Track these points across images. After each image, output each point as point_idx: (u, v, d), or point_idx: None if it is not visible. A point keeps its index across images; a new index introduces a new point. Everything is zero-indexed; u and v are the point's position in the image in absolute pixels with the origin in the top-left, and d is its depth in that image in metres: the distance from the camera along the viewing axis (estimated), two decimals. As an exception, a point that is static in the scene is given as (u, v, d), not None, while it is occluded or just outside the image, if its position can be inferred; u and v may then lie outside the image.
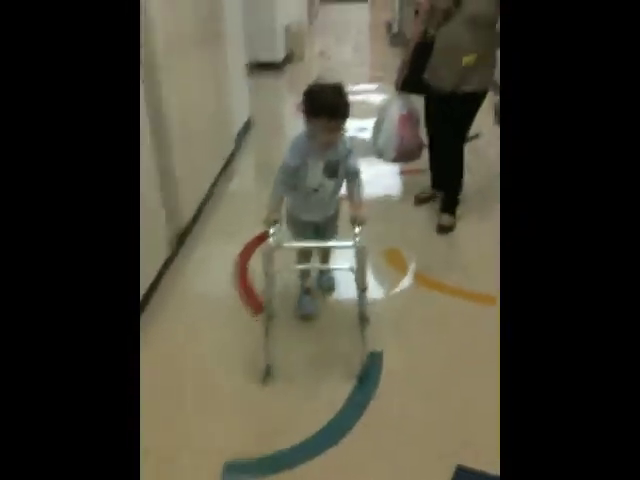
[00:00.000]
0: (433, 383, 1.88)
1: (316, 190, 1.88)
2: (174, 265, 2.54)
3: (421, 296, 2.35)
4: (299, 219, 2.00)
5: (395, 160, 2.93)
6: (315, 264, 2.25)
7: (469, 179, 3.02)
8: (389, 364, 1.94)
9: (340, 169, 1.86)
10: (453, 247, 2.74)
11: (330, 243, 2.07)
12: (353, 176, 1.89)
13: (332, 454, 1.61)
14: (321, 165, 1.82)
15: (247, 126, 4.20)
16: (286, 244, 1.80)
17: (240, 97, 3.95)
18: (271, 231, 1.72)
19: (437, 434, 1.68)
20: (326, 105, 1.69)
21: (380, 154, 2.93)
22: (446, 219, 2.83)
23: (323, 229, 2.04)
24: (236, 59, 3.79)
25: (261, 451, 1.61)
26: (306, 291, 2.21)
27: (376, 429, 1.69)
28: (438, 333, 2.12)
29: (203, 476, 1.55)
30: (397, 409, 1.77)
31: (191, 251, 2.68)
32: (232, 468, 1.56)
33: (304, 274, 2.20)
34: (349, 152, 1.86)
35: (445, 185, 2.92)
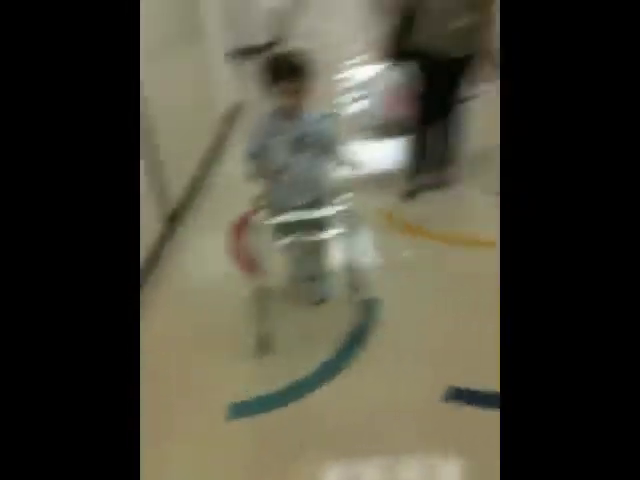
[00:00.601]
0: (429, 323, 1.96)
1: (285, 171, 1.79)
2: (169, 244, 2.61)
3: (414, 245, 2.43)
4: (282, 210, 1.83)
5: (381, 136, 2.90)
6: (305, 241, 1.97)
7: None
8: (385, 311, 2.02)
9: (308, 144, 1.76)
10: (447, 200, 2.77)
11: (317, 212, 1.83)
12: (330, 145, 1.80)
13: (333, 385, 1.73)
14: (287, 141, 1.75)
15: (234, 111, 4.23)
16: (274, 219, 1.78)
17: (225, 82, 3.99)
18: (260, 204, 1.73)
19: (430, 364, 1.78)
20: (284, 65, 1.68)
21: (366, 129, 2.92)
22: (442, 174, 2.87)
23: (306, 222, 1.85)
24: (217, 50, 3.84)
25: (262, 392, 1.73)
26: (310, 278, 2.12)
27: (373, 363, 1.81)
28: (434, 278, 2.21)
29: (209, 416, 1.66)
30: (392, 345, 1.87)
31: (185, 229, 2.75)
32: (236, 407, 1.68)
33: (294, 266, 2.10)
34: (319, 123, 1.78)
35: (445, 143, 2.80)
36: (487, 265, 2.17)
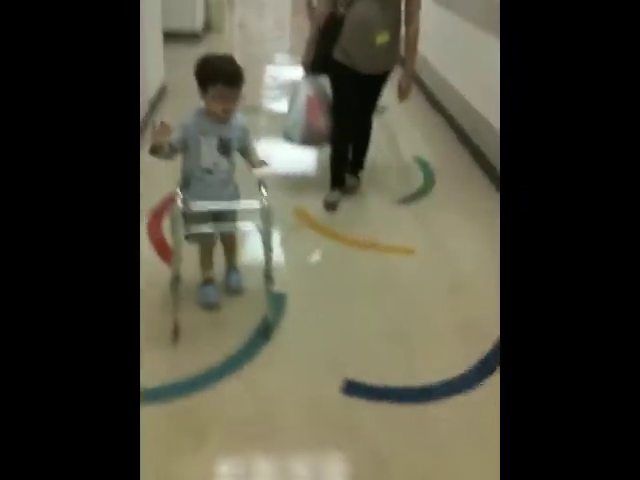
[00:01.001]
0: (332, 319, 2.10)
1: (210, 170, 1.85)
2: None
3: (321, 246, 2.56)
4: (195, 210, 1.82)
5: (301, 144, 2.93)
6: (223, 222, 2.01)
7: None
8: (292, 307, 2.12)
9: (233, 147, 1.87)
10: (361, 207, 2.95)
11: (237, 205, 1.94)
12: (250, 151, 1.94)
13: (237, 377, 1.79)
14: (214, 142, 1.82)
15: (161, 93, 4.18)
16: (194, 205, 1.78)
17: (154, 62, 3.92)
18: (178, 192, 1.74)
19: (331, 359, 1.89)
20: (222, 71, 1.73)
21: (287, 136, 2.95)
22: (353, 181, 3.02)
23: (224, 218, 1.95)
24: (151, 25, 3.76)
25: (172, 379, 1.75)
26: (207, 281, 2.11)
27: (277, 355, 1.90)
28: (337, 277, 2.34)
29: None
30: (297, 339, 1.98)
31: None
32: (146, 393, 1.66)
33: (205, 263, 2.10)
34: (244, 131, 1.90)
35: (357, 152, 2.95)
36: (392, 269, 2.39)
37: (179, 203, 1.74)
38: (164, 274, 1.98)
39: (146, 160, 3.26)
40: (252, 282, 2.14)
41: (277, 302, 2.08)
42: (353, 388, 1.75)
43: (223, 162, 1.87)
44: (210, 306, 2.08)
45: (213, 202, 1.84)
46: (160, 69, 4.17)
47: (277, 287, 2.01)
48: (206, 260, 2.09)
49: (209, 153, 1.83)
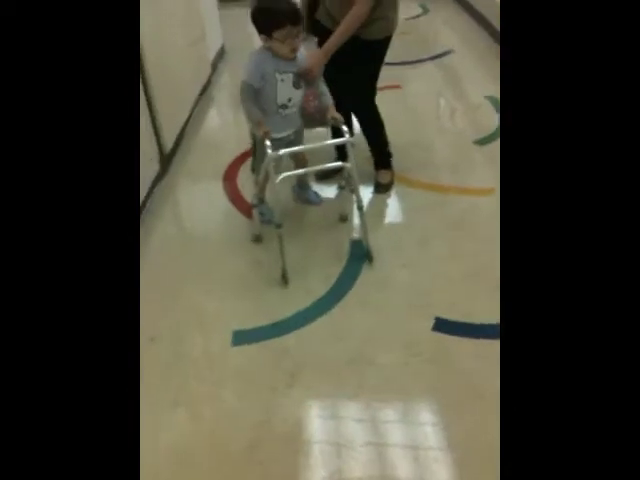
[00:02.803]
0: (413, 258, 2.10)
1: (285, 105, 1.97)
2: (165, 181, 2.67)
3: (401, 192, 2.53)
4: (273, 139, 1.88)
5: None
6: (309, 168, 2.19)
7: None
8: (374, 246, 2.10)
9: (301, 78, 1.97)
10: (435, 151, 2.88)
11: (326, 142, 2.07)
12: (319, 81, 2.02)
13: (328, 317, 1.84)
14: (291, 77, 1.92)
15: (221, 53, 4.19)
16: (283, 150, 1.85)
17: (212, 24, 3.92)
18: (267, 143, 1.81)
19: (417, 296, 1.92)
20: (287, 13, 1.80)
21: None
22: (382, 176, 2.54)
23: (295, 142, 2.06)
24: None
25: (263, 322, 1.83)
26: (261, 200, 2.21)
27: (365, 295, 1.93)
28: (415, 219, 2.34)
29: (215, 345, 1.77)
30: (382, 279, 2.00)
31: (179, 168, 2.79)
32: (240, 335, 1.77)
33: (263, 187, 2.16)
34: (304, 60, 1.96)
35: (368, 143, 2.50)
36: (473, 210, 2.32)
37: (269, 151, 1.82)
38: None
39: (219, 118, 3.35)
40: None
41: (358, 247, 2.11)
42: (444, 325, 1.76)
43: (297, 96, 1.98)
44: (271, 223, 2.05)
45: (305, 146, 2.03)
46: (218, 32, 4.16)
47: (355, 234, 2.06)
48: (264, 185, 2.13)
49: (285, 90, 1.93)
